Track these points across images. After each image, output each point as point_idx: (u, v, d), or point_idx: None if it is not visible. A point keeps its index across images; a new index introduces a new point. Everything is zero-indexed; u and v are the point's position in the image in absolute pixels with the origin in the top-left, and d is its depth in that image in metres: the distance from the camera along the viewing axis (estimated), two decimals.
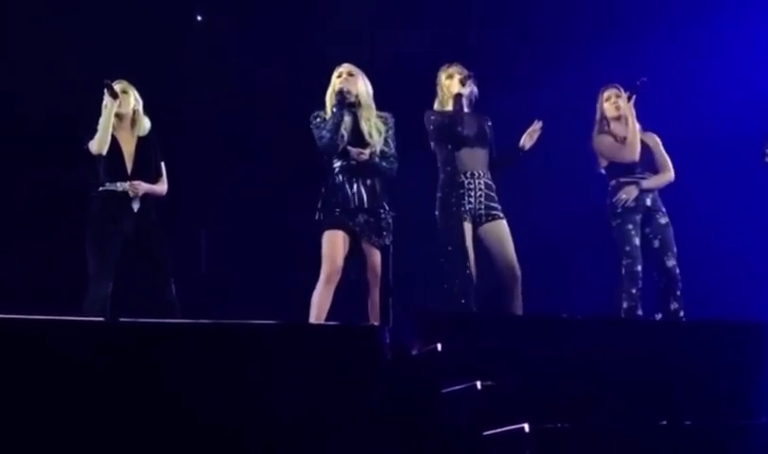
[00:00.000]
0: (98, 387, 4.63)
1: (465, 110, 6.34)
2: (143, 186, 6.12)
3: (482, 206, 6.18)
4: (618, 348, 5.39)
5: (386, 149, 6.04)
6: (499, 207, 6.25)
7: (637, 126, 6.66)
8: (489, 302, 6.18)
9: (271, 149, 7.80)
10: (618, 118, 6.76)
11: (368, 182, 6.00)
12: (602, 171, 6.77)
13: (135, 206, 6.11)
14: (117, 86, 6.16)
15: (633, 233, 6.60)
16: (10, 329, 4.65)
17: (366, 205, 5.96)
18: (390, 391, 5.01)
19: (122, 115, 6.19)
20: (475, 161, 6.22)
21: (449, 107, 6.33)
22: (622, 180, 6.67)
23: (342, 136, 5.97)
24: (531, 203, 6.54)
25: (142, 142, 6.25)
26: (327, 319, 5.84)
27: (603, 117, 6.79)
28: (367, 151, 5.95)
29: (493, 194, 6.26)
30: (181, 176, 6.45)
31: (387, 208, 6.03)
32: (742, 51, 7.97)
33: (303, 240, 6.27)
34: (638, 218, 6.65)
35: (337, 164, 6.03)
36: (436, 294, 6.04)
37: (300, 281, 6.19)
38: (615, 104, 6.73)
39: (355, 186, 5.96)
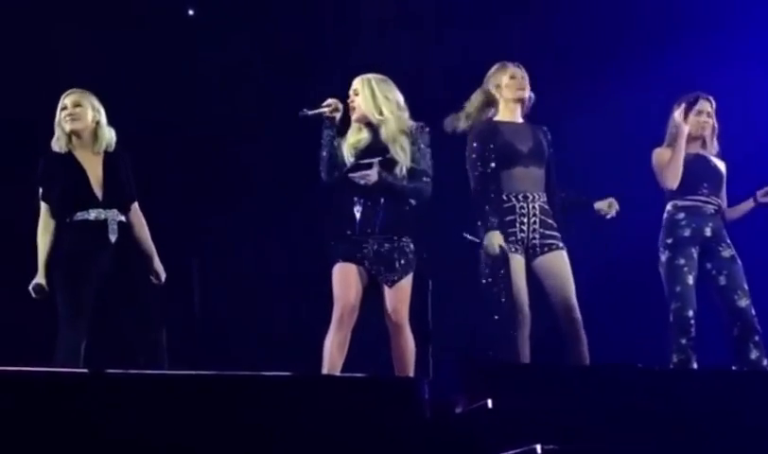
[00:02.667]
0: (76, 448, 4.53)
1: (521, 120, 6.14)
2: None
3: (537, 235, 5.94)
4: (703, 402, 5.22)
5: (415, 166, 5.84)
6: (559, 236, 5.98)
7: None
8: (549, 349, 6.01)
9: (274, 164, 7.67)
10: (698, 138, 6.51)
11: (383, 205, 5.80)
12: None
13: (113, 237, 5.82)
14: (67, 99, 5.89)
15: (686, 269, 6.31)
16: None
17: (378, 233, 5.77)
18: None
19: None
20: (529, 181, 5.99)
21: (500, 116, 6.12)
22: (681, 204, 6.41)
23: (337, 162, 5.85)
24: (600, 231, 6.35)
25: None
26: (344, 369, 5.69)
27: (682, 132, 6.46)
28: (373, 172, 5.76)
29: (550, 220, 5.98)
30: (167, 197, 6.27)
31: (407, 238, 5.80)
32: None
33: (313, 274, 6.12)
34: (695, 251, 6.36)
35: (350, 186, 5.85)
36: (484, 340, 5.90)
37: (311, 324, 6.10)
38: (704, 122, 6.49)
39: (367, 211, 5.80)
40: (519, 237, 5.92)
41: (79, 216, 5.77)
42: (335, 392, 5.13)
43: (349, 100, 5.97)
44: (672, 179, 6.40)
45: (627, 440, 4.95)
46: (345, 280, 5.77)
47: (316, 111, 5.86)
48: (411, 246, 5.83)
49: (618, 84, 7.80)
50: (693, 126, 6.49)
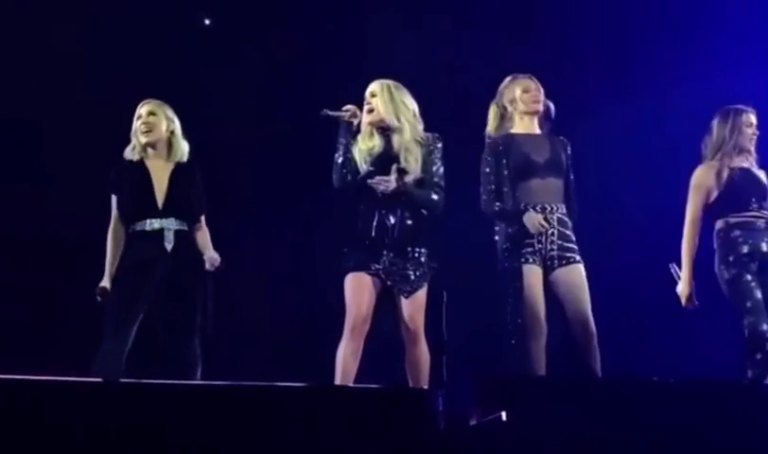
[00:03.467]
0: None
1: (538, 131, 6.09)
2: None
3: (555, 247, 5.88)
4: (719, 415, 5.11)
5: (426, 176, 5.80)
6: (576, 248, 5.92)
7: None
8: (564, 362, 5.97)
9: (291, 174, 7.61)
10: (744, 151, 6.45)
11: (399, 215, 5.76)
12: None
13: (168, 246, 5.81)
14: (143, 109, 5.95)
15: (753, 284, 6.21)
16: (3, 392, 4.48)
17: (392, 243, 5.73)
18: None
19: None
20: (546, 192, 5.94)
21: (516, 129, 6.08)
22: (734, 220, 6.34)
23: (351, 168, 5.81)
24: (613, 244, 6.28)
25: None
26: (358, 379, 5.65)
27: (734, 145, 6.41)
28: (392, 179, 5.73)
29: (569, 232, 5.93)
30: None
31: (422, 249, 5.76)
32: None
33: (326, 282, 6.08)
34: (754, 267, 6.28)
35: (365, 194, 5.82)
36: (499, 352, 5.86)
37: (323, 334, 6.04)
38: (753, 135, 6.45)
39: (382, 221, 5.76)
40: (537, 248, 5.87)
41: (139, 226, 5.82)
42: (348, 402, 5.03)
43: (365, 103, 5.90)
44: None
45: (640, 452, 4.89)
46: (358, 289, 5.72)
47: (336, 113, 5.81)
48: (427, 257, 5.77)
49: (629, 94, 7.74)
50: (743, 139, 6.43)
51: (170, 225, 5.82)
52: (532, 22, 7.96)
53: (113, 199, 5.91)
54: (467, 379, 5.22)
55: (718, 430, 4.99)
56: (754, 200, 6.38)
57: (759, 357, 6.14)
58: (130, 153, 5.94)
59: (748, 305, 6.20)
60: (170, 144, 5.98)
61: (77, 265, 6.63)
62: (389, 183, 5.71)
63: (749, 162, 6.48)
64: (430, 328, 5.80)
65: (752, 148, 6.46)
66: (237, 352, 7.24)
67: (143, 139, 5.91)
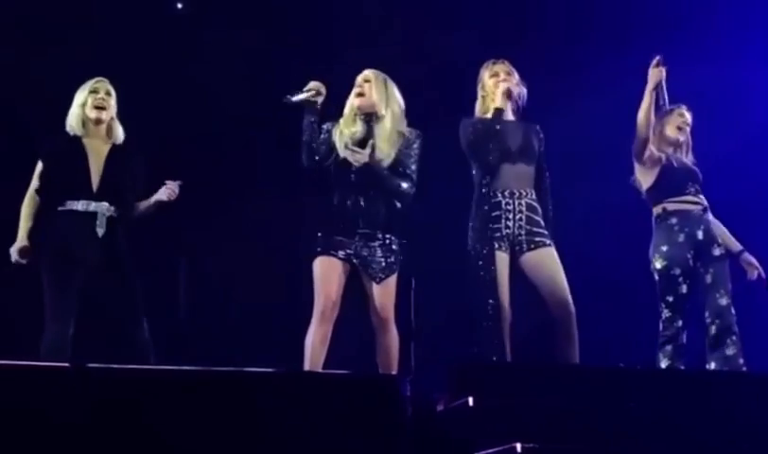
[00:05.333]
0: (62, 445, 4.50)
1: (511, 117, 6.06)
2: None
3: (523, 231, 5.85)
4: (684, 402, 5.21)
5: (400, 167, 5.80)
6: (546, 233, 5.88)
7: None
8: (531, 347, 5.97)
9: (265, 161, 7.62)
10: (678, 145, 6.55)
11: (371, 199, 5.76)
12: (643, 196, 6.53)
13: (100, 231, 5.80)
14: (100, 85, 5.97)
15: (680, 279, 6.32)
16: None
17: (364, 228, 5.73)
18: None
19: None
20: (516, 178, 5.91)
21: (491, 112, 6.04)
22: (672, 207, 6.41)
23: (320, 149, 5.80)
24: (582, 231, 6.31)
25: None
26: (326, 365, 5.66)
27: (662, 139, 6.52)
28: (365, 153, 5.72)
29: (537, 217, 5.90)
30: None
31: (394, 235, 5.77)
32: None
33: (301, 271, 6.00)
34: (690, 256, 6.34)
35: (337, 179, 5.83)
36: (467, 338, 5.81)
37: (295, 321, 6.01)
38: (683, 123, 6.55)
39: (354, 205, 5.75)
40: (505, 233, 5.84)
41: (69, 205, 5.77)
42: (316, 388, 5.06)
43: (356, 86, 5.90)
44: (644, 128, 6.33)
45: (607, 439, 4.92)
46: (328, 274, 5.70)
47: (300, 97, 5.78)
48: (398, 243, 5.78)
49: (610, 80, 7.75)
50: (671, 127, 6.53)
51: (103, 210, 5.81)
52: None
53: (40, 166, 5.90)
54: (435, 365, 5.36)
55: (687, 417, 5.10)
56: (691, 184, 6.46)
57: (670, 349, 6.30)
58: (69, 128, 5.95)
59: (670, 299, 6.35)
60: (110, 126, 6.02)
61: None
62: (361, 156, 5.72)
63: (683, 155, 6.56)
64: (399, 315, 5.82)
65: (682, 142, 6.55)
66: (206, 337, 7.26)
67: (93, 114, 5.93)
